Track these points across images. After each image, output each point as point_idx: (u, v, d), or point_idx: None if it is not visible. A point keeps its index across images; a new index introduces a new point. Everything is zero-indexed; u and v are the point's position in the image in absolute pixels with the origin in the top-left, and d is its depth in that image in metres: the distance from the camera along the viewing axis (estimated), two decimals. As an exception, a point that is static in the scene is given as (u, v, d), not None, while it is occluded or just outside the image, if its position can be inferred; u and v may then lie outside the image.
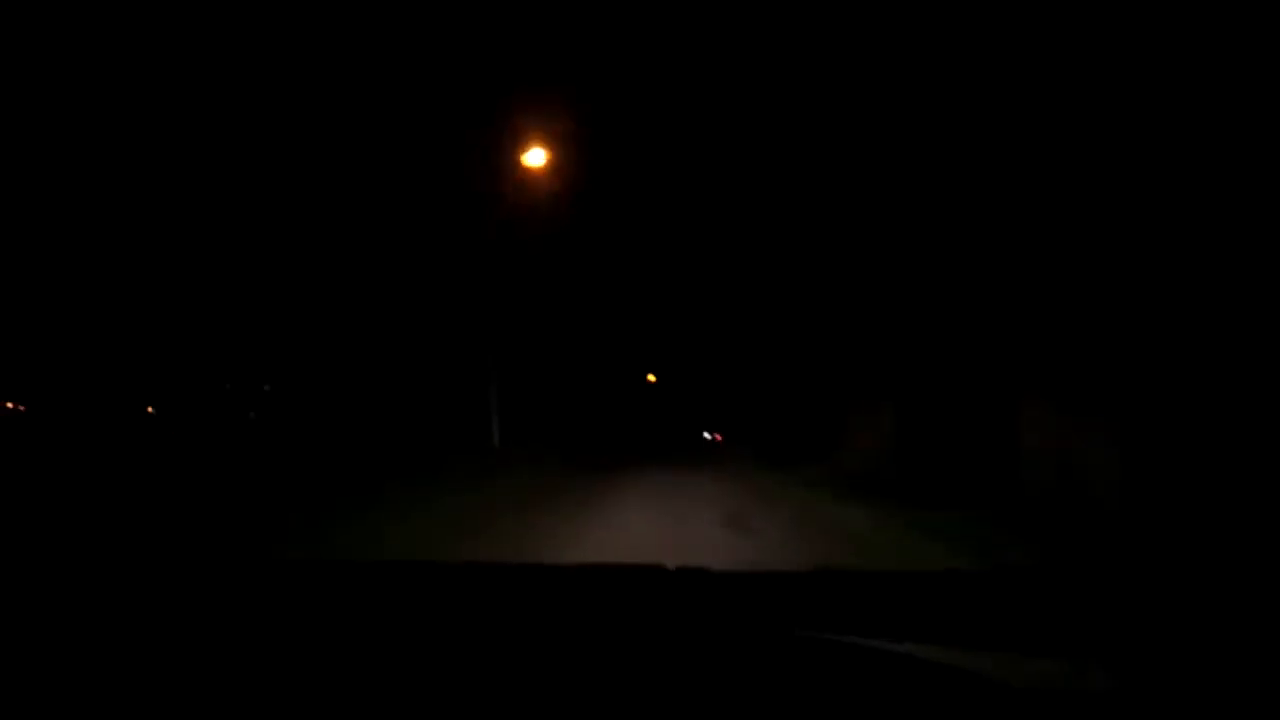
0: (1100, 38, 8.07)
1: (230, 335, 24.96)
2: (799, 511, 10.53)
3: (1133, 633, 1.22)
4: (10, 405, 27.48)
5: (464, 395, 22.91)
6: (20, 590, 1.48)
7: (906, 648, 1.16)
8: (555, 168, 18.00)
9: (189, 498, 10.25)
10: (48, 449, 16.24)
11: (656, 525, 8.82)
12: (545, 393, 31.58)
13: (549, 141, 17.13)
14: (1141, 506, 7.13)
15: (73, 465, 13.51)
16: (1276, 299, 6.34)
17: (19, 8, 13.92)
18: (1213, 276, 6.99)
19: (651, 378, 51.07)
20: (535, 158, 17.11)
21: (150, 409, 29.43)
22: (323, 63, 18.90)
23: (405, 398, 27.44)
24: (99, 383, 24.53)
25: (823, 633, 1.21)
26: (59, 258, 19.68)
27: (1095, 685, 1.06)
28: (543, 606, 1.43)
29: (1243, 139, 6.75)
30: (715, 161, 22.72)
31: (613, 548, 7.16)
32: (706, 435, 45.95)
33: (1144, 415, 7.56)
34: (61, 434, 19.61)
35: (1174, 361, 7.28)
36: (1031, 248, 9.58)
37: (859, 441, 16.12)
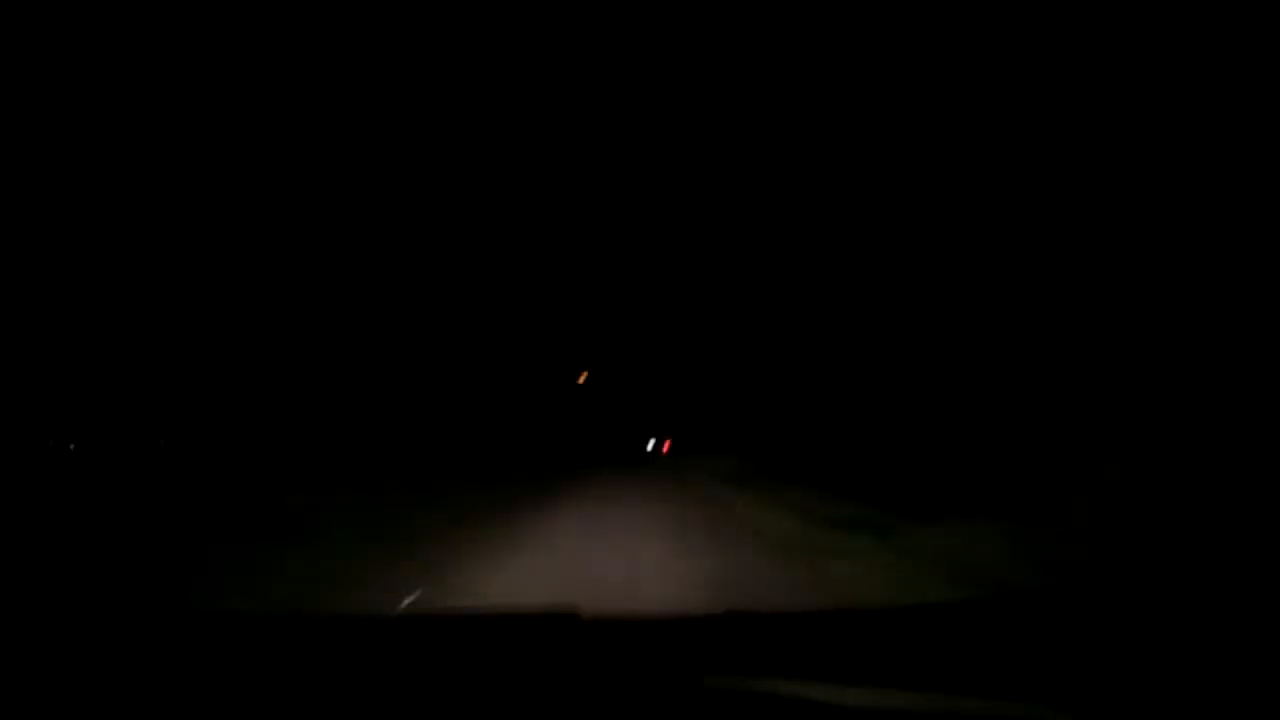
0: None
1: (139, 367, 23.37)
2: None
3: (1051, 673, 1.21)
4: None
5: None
6: None
7: (822, 691, 1.13)
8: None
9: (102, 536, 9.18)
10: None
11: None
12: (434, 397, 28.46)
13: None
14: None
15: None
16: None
17: (19, 8, 13.16)
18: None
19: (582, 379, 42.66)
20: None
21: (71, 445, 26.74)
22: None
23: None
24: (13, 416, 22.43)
25: (735, 679, 1.17)
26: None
27: None
28: (442, 657, 1.35)
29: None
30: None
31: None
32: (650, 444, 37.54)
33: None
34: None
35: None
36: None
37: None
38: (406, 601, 4.29)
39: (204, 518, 9.94)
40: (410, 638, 1.51)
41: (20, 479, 15.01)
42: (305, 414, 24.66)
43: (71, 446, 23.26)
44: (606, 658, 1.30)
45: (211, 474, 17.04)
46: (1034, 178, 9.84)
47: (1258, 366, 6.63)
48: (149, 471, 17.75)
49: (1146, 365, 7.84)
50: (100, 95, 15.89)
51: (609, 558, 5.93)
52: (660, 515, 9.00)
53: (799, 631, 1.44)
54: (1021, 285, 10.16)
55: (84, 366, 21.34)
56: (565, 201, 26.71)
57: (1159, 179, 7.89)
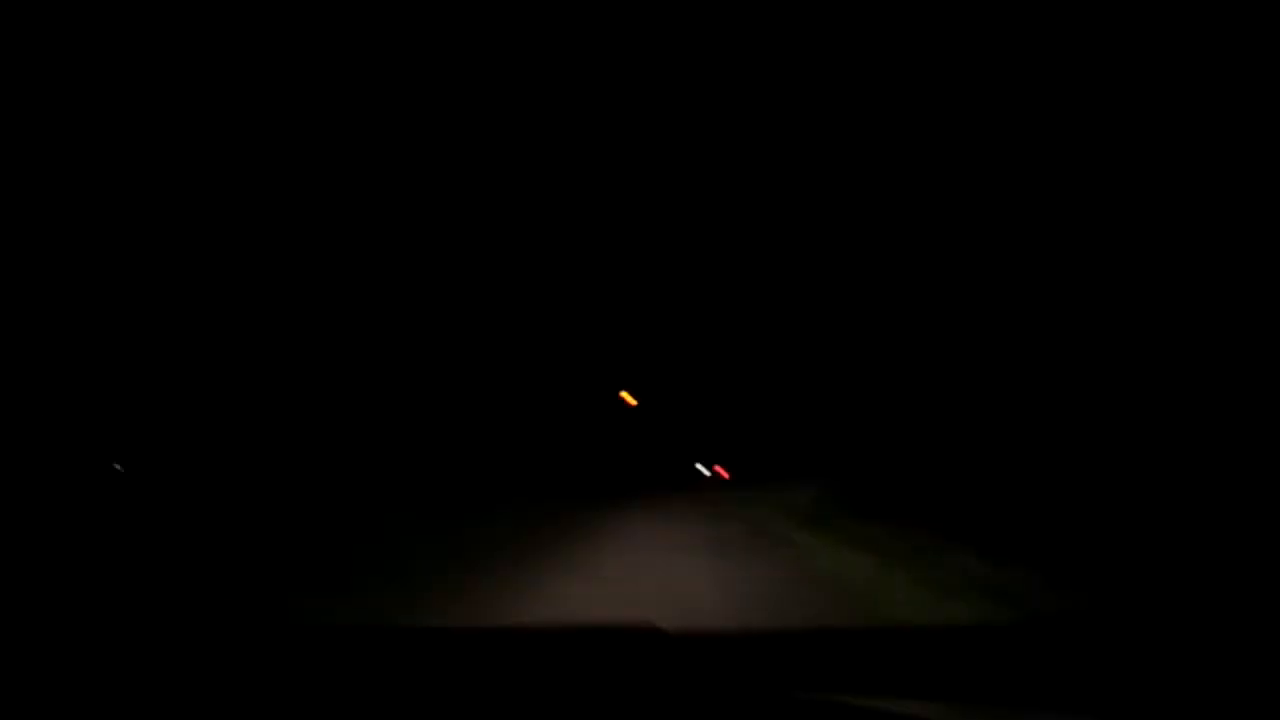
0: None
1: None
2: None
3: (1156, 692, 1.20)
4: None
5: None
6: None
7: (910, 707, 1.13)
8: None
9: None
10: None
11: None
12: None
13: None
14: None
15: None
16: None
17: (20, 8, 13.72)
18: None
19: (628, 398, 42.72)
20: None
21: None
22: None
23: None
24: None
25: (822, 694, 1.18)
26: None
27: None
28: (527, 673, 1.37)
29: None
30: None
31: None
32: (703, 470, 33.15)
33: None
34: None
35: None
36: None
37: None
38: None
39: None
40: (488, 652, 1.52)
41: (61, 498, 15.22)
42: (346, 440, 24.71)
43: (118, 466, 23.61)
44: (690, 673, 1.31)
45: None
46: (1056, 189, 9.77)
47: (1257, 370, 6.50)
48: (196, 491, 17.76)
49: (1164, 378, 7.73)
50: (86, 101, 16.21)
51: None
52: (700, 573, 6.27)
53: (886, 647, 1.44)
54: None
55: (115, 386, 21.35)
56: (608, 211, 26.41)
57: (1154, 187, 7.80)
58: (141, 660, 1.43)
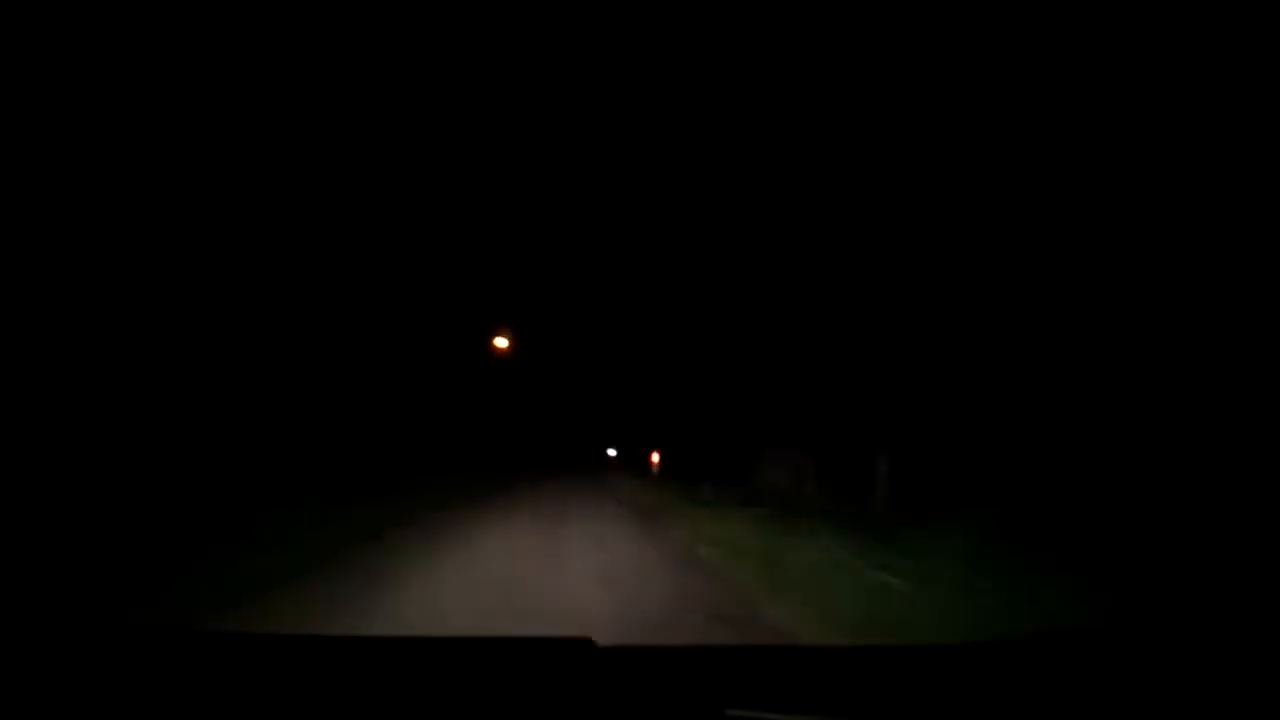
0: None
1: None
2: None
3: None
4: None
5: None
6: None
7: None
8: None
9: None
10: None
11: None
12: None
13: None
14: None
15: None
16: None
17: (19, 8, 13.29)
18: None
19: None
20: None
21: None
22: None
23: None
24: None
25: (755, 713, 1.15)
26: None
27: None
28: (458, 685, 1.31)
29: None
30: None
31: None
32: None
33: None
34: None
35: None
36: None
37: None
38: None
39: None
40: (414, 663, 1.47)
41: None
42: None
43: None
44: (622, 688, 1.28)
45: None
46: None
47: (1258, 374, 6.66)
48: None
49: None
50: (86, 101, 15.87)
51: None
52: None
53: (819, 667, 1.41)
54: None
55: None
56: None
57: (1151, 195, 8.04)
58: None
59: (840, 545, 7.55)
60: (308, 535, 7.94)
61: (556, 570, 6.54)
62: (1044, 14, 9.46)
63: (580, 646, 1.39)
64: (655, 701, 1.21)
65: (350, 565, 6.30)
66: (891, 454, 14.81)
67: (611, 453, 50.52)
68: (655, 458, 32.51)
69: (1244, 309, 9.71)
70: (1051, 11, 9.40)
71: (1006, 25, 10.49)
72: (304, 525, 8.62)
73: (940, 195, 14.44)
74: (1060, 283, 14.45)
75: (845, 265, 16.88)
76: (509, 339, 28.62)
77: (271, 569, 5.91)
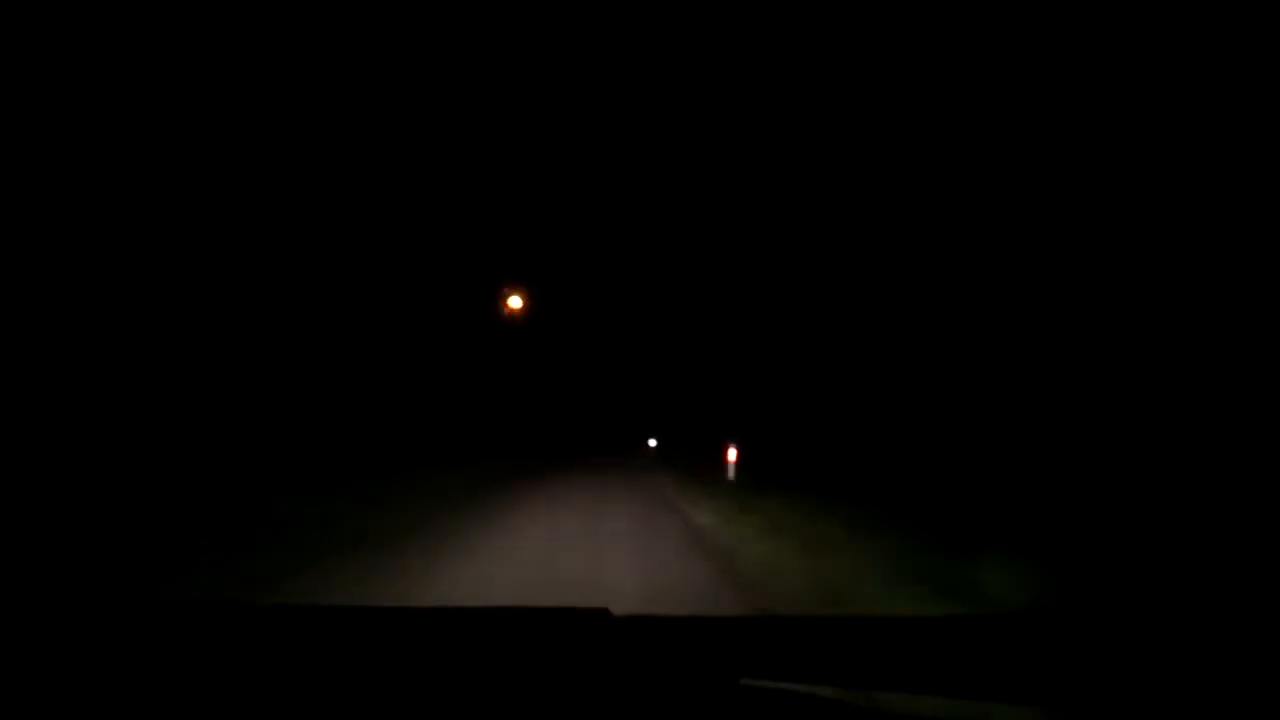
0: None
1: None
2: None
3: (1107, 682, 1.19)
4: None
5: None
6: None
7: (858, 697, 1.11)
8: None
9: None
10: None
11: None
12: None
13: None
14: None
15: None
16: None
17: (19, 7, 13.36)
18: None
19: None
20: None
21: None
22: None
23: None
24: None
25: (770, 681, 1.16)
26: None
27: None
28: (465, 654, 1.33)
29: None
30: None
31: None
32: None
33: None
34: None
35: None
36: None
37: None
38: None
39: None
40: (429, 632, 1.49)
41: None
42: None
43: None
44: (638, 657, 1.29)
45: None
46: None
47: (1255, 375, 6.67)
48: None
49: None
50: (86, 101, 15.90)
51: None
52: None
53: (834, 636, 1.41)
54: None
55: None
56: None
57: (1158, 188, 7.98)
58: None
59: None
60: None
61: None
62: (1031, 15, 9.34)
63: (596, 616, 1.40)
64: (670, 670, 1.22)
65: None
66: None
67: (652, 443, 46.28)
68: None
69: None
70: (1039, 12, 9.29)
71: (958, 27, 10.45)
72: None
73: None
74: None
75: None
76: (523, 300, 27.41)
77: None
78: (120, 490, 10.95)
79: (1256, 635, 1.27)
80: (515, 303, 27.31)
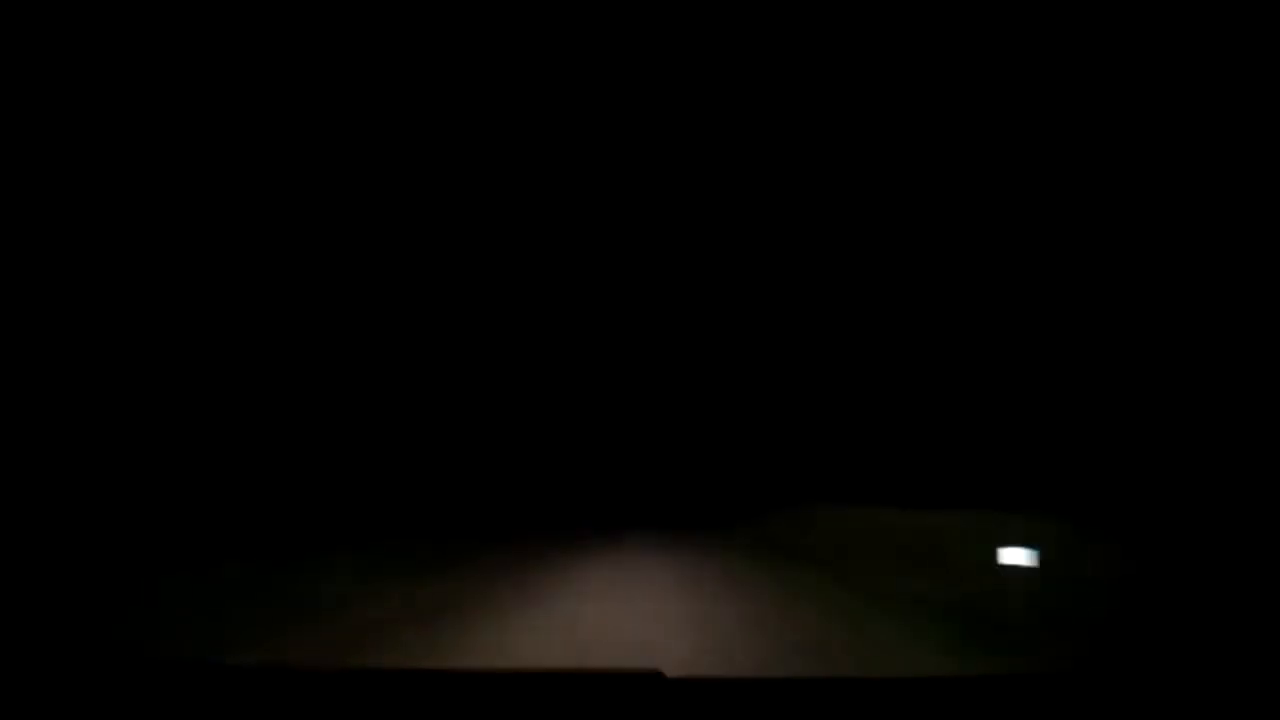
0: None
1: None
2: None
3: None
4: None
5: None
6: None
7: None
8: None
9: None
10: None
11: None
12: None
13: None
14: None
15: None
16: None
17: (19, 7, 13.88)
18: None
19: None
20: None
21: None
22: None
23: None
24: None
25: None
26: None
27: None
28: (529, 718, 1.33)
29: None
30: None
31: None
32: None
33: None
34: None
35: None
36: None
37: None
38: None
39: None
40: (483, 697, 1.49)
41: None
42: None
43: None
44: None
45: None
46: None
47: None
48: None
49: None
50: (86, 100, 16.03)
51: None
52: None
53: (893, 699, 1.39)
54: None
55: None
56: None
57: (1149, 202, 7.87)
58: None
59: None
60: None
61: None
62: (1041, 14, 9.39)
63: (649, 679, 1.39)
64: None
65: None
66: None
67: None
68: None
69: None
70: (1049, 12, 9.34)
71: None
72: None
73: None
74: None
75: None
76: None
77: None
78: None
79: None
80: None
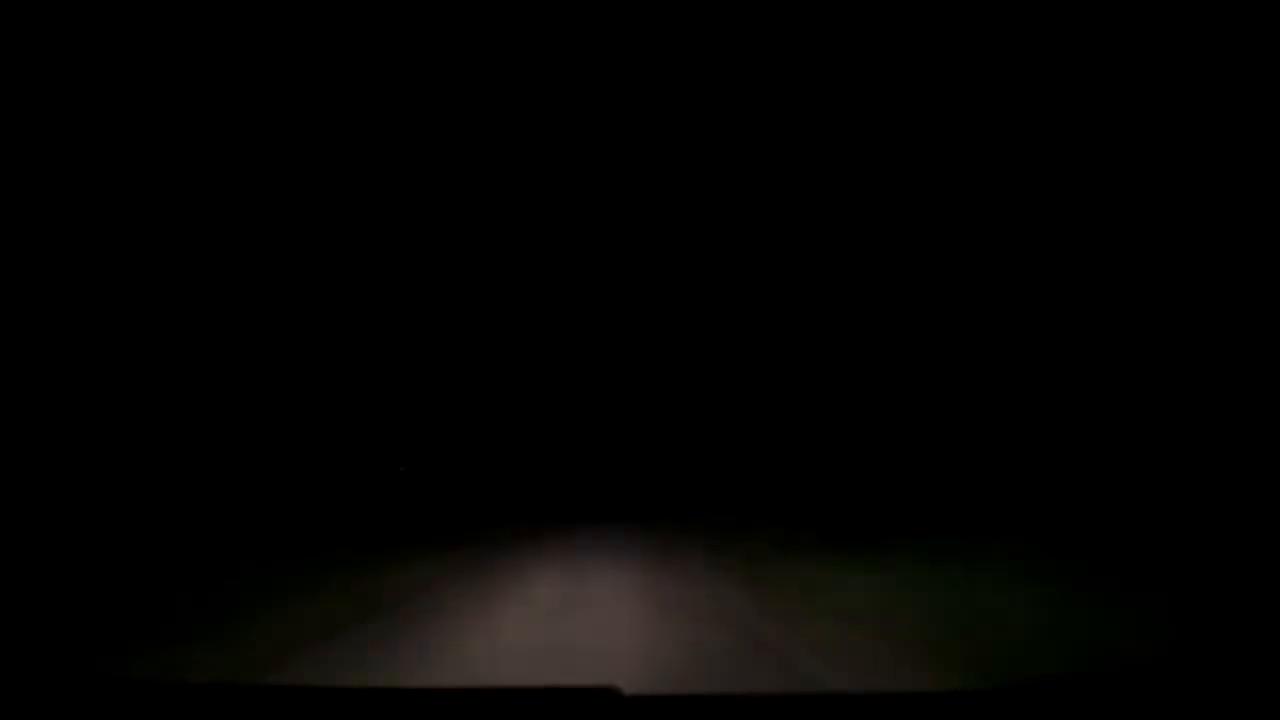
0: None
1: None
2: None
3: None
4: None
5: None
6: None
7: None
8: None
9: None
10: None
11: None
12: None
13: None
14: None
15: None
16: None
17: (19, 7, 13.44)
18: None
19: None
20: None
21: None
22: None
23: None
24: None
25: None
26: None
27: None
28: None
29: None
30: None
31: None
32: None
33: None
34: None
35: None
36: None
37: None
38: None
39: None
40: (441, 714, 1.43)
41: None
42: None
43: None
44: None
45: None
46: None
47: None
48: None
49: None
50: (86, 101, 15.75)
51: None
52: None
53: (856, 716, 1.36)
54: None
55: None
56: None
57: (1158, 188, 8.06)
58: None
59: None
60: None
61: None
62: (1041, 14, 9.58)
63: (605, 696, 1.35)
64: None
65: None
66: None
67: None
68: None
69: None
70: (1049, 12, 9.51)
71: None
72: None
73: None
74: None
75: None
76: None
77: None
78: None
79: None
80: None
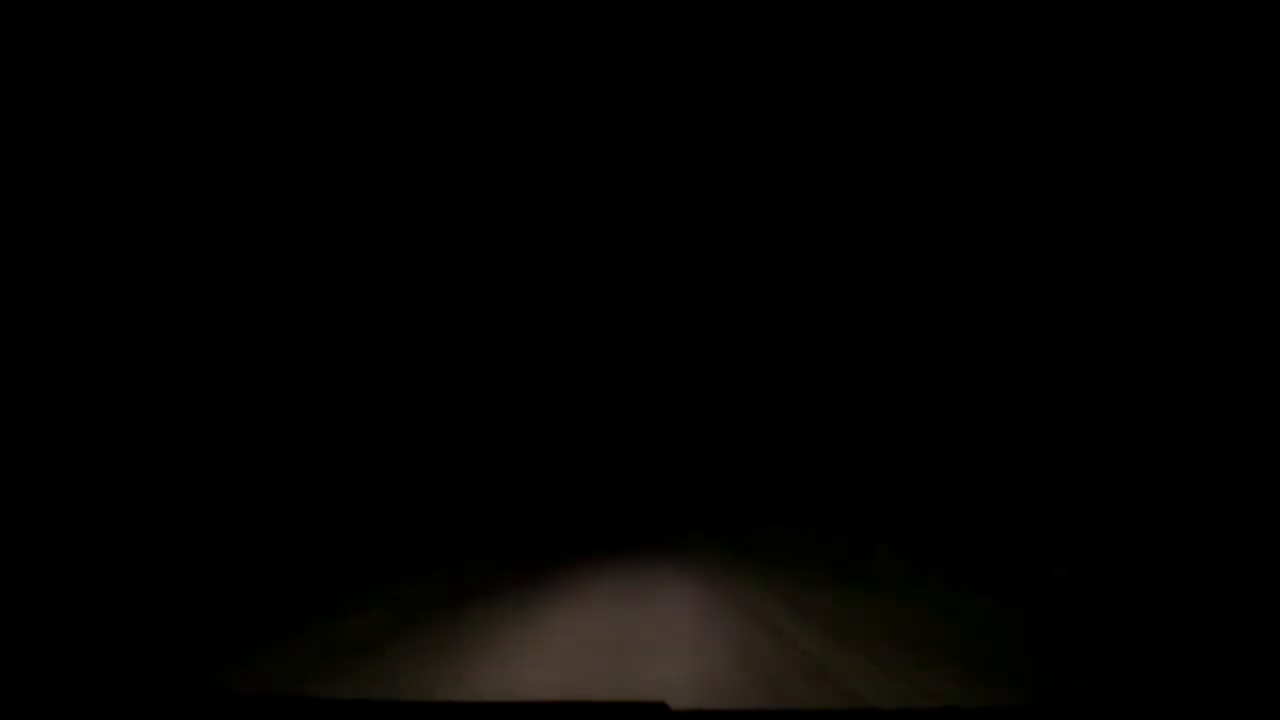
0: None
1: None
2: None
3: None
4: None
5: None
6: None
7: None
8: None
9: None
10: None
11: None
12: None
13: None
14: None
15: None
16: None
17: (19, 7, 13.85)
18: None
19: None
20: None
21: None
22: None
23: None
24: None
25: None
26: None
27: None
28: None
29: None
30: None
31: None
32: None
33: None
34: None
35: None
36: None
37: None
38: None
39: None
40: None
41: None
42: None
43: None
44: None
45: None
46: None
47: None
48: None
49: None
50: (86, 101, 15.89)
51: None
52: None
53: None
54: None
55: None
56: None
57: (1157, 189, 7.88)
58: None
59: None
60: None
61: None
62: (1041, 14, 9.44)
63: (654, 711, 1.40)
64: None
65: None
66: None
67: None
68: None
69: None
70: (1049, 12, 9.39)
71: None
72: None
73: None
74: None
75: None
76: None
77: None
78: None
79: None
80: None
